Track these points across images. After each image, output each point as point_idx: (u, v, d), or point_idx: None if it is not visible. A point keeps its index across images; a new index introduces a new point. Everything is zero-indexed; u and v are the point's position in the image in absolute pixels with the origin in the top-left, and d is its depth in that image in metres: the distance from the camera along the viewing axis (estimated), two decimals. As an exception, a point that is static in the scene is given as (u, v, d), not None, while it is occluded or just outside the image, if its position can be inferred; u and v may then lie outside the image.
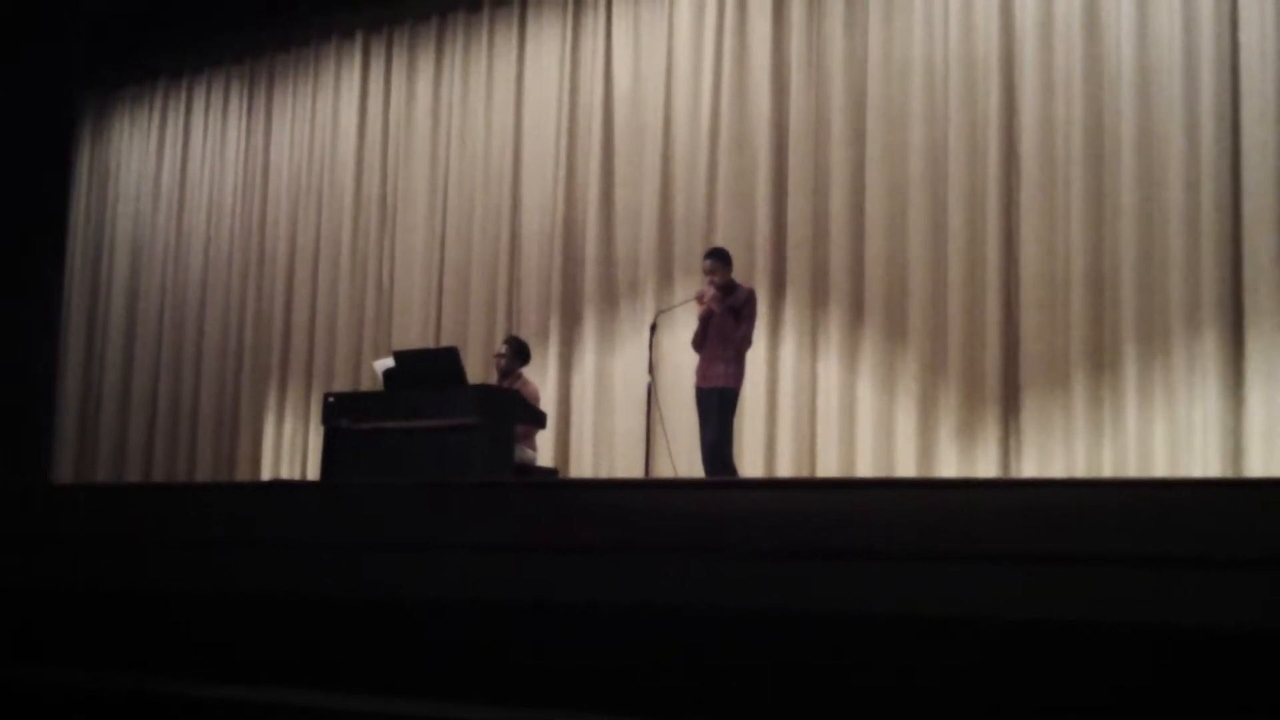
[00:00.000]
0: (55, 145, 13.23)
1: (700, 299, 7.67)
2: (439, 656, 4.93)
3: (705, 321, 7.64)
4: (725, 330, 7.56)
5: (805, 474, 8.88)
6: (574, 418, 10.05)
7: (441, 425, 6.91)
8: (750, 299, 7.68)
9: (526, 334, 9.79)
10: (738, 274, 8.01)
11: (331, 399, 7.50)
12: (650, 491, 5.51)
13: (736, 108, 9.62)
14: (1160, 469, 7.67)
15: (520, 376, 8.53)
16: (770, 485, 6.43)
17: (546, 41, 10.74)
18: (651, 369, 8.15)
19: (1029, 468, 8.13)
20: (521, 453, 7.95)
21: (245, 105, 12.56)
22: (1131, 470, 7.75)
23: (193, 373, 12.34)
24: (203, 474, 11.93)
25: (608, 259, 10.09)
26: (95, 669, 5.59)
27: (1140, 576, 3.84)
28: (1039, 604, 3.93)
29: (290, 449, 11.56)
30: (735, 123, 9.60)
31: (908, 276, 8.77)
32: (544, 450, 9.39)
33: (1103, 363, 8.03)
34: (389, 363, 7.68)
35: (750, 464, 8.98)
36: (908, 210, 8.81)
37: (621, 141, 10.19)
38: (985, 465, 8.25)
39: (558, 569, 4.81)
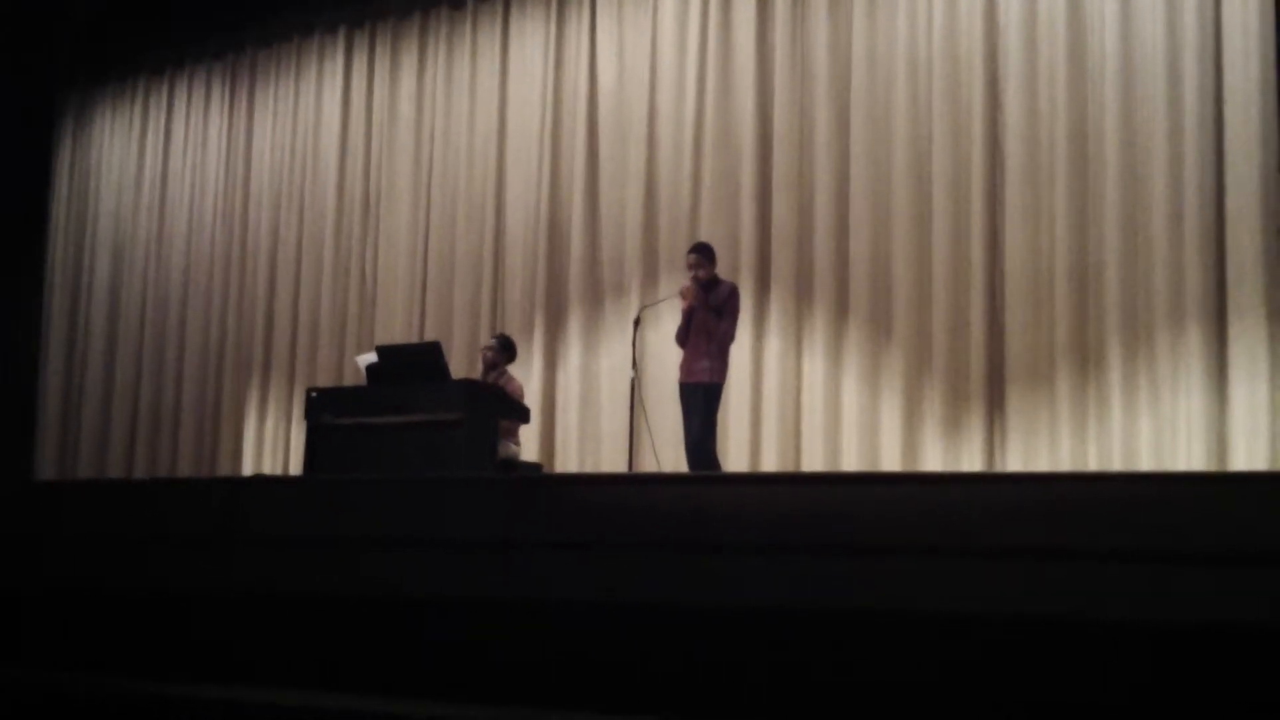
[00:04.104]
0: (36, 143, 13.23)
1: (683, 294, 7.66)
2: (423, 653, 4.91)
3: (689, 317, 7.63)
4: (708, 326, 7.55)
5: (790, 469, 8.87)
6: (559, 413, 10.04)
7: (425, 420, 6.89)
8: (733, 294, 7.67)
9: (511, 330, 9.79)
10: (722, 271, 7.99)
11: (314, 394, 7.48)
12: (634, 486, 5.48)
13: (721, 105, 9.61)
14: (1145, 464, 7.68)
15: (505, 373, 8.52)
16: (754, 480, 6.41)
17: (530, 38, 10.72)
18: (636, 364, 8.14)
19: (1014, 463, 8.14)
20: (505, 448, 7.94)
21: (227, 102, 12.52)
22: (1116, 466, 7.76)
23: (175, 369, 12.31)
24: (184, 470, 11.89)
25: (592, 256, 10.08)
26: (75, 669, 5.56)
27: (1124, 571, 3.83)
28: (1025, 599, 3.92)
29: (272, 445, 11.53)
30: (720, 120, 9.59)
31: (892, 272, 8.77)
32: (529, 446, 9.38)
33: (1087, 358, 8.04)
34: (372, 358, 7.66)
35: (735, 459, 8.98)
36: (892, 207, 8.82)
37: (606, 138, 10.17)
38: (970, 461, 8.26)
39: (542, 564, 4.80)
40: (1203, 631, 3.69)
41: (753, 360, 9.15)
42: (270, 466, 11.44)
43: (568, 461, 9.83)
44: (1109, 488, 4.24)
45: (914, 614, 4.06)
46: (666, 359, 8.65)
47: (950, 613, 4.01)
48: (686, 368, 7.64)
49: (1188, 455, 7.56)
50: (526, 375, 9.75)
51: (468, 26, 11.07)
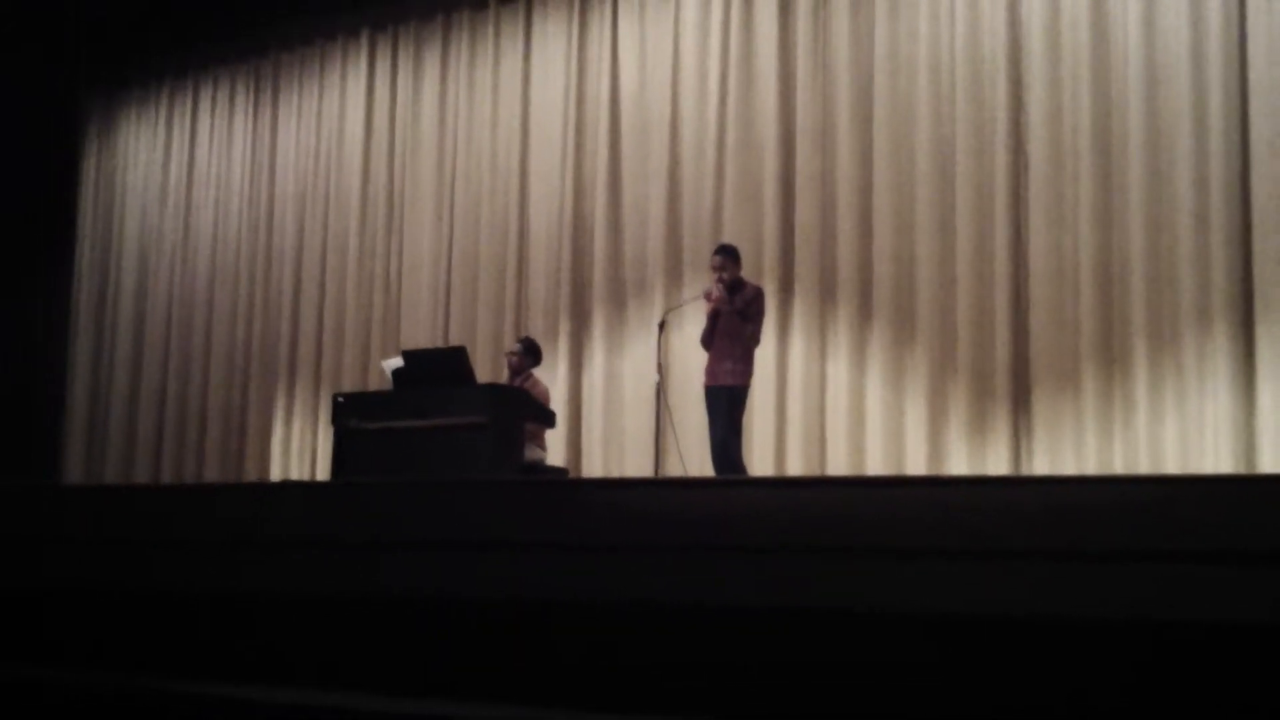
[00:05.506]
0: (62, 147, 13.28)
1: (708, 296, 7.66)
2: (448, 655, 4.93)
3: (713, 319, 7.62)
4: (733, 328, 7.55)
5: (815, 472, 8.86)
6: (584, 417, 10.04)
7: (450, 424, 6.91)
8: (758, 296, 7.67)
9: (535, 333, 9.80)
10: (745, 272, 7.98)
11: (341, 399, 7.51)
12: (659, 490, 5.50)
13: (743, 106, 9.61)
14: (1171, 466, 7.64)
15: (531, 376, 8.53)
16: (779, 484, 6.41)
17: (553, 40, 10.74)
18: (660, 367, 8.15)
19: (1040, 465, 8.11)
20: (531, 451, 7.95)
21: (251, 105, 12.57)
22: (1142, 467, 7.73)
23: (201, 373, 12.36)
24: (211, 474, 11.94)
25: (616, 258, 10.09)
26: (105, 670, 5.59)
27: (1153, 573, 3.82)
28: (1050, 601, 3.92)
29: (299, 449, 11.57)
30: (742, 121, 9.59)
31: (916, 274, 8.75)
32: (554, 449, 9.38)
33: (1113, 359, 8.01)
34: (397, 362, 7.69)
35: (760, 462, 8.97)
36: (915, 208, 8.80)
37: (628, 140, 10.18)
38: (995, 462, 8.24)
39: (567, 568, 4.81)
40: (1228, 632, 3.68)
41: (777, 362, 9.13)
42: (297, 471, 11.48)
43: (593, 464, 9.84)
44: (1134, 489, 4.23)
45: (937, 616, 4.05)
46: (691, 362, 8.65)
47: (975, 615, 4.00)
48: (711, 370, 7.64)
49: (1215, 456, 7.52)
50: (551, 378, 9.75)
51: (490, 29, 11.08)
